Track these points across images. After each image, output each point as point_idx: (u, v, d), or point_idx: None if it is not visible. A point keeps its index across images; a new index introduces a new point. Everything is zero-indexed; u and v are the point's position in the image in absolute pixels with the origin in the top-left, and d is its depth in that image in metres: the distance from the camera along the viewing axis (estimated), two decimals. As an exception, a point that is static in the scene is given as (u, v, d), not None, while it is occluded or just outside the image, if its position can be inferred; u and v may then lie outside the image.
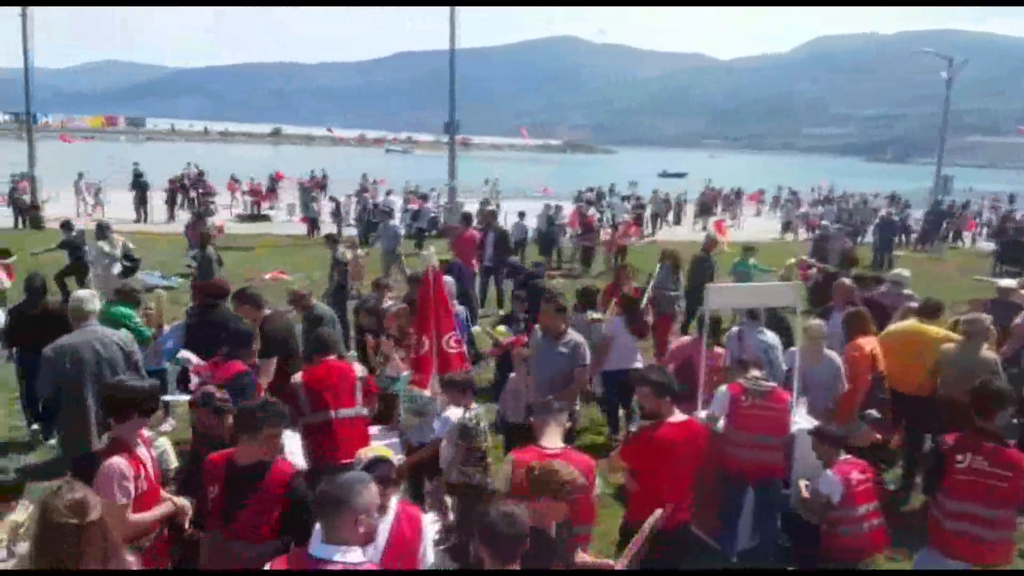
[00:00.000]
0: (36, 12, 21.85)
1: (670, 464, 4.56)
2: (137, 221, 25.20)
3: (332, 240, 13.52)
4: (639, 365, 7.83)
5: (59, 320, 6.46)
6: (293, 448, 5.44)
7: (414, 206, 25.86)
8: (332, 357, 5.62)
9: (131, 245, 13.20)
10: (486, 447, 5.37)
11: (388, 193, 28.75)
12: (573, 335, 6.74)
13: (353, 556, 2.88)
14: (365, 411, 5.57)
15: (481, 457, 5.27)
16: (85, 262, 13.22)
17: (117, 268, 12.50)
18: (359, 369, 5.74)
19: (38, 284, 7.70)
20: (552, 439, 4.47)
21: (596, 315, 8.55)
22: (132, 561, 3.07)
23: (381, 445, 4.71)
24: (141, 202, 26.08)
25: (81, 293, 6.30)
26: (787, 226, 31.14)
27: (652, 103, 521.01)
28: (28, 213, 23.68)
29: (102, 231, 12.73)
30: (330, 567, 2.82)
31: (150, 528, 4.02)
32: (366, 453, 3.70)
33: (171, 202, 27.43)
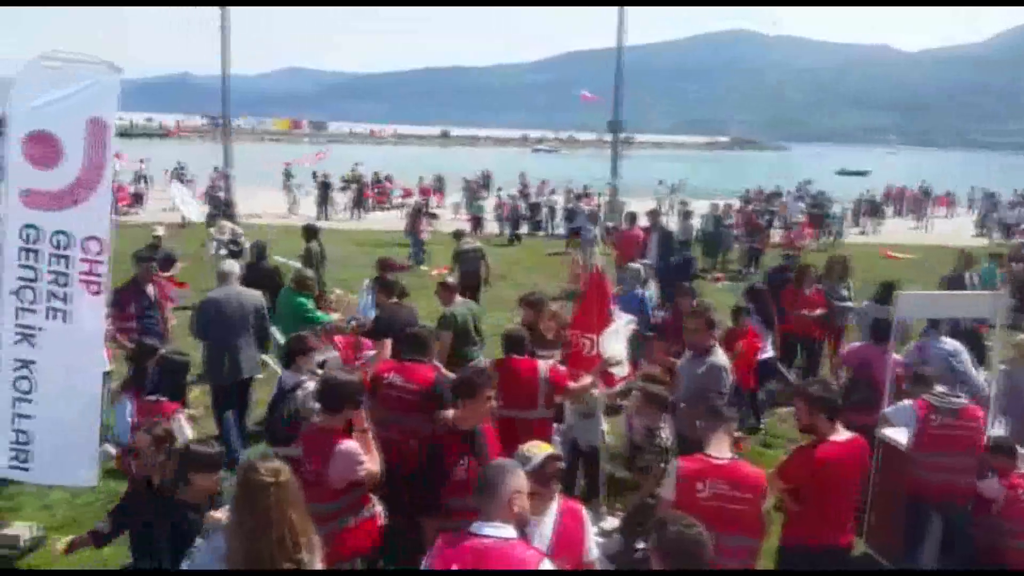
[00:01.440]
0: (232, 22, 23.75)
1: (830, 484, 4.34)
2: (319, 219, 26.78)
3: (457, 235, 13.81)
4: (769, 354, 8.52)
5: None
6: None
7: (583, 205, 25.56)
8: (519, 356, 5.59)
9: (240, 231, 14.25)
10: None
11: (551, 192, 28.92)
12: (716, 357, 6.09)
13: (507, 532, 3.07)
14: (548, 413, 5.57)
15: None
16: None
17: (224, 252, 13.62)
18: (543, 368, 5.53)
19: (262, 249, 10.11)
20: (720, 448, 4.29)
21: None
22: (315, 538, 3.30)
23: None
24: (323, 201, 27.87)
25: (227, 262, 8.04)
26: (982, 229, 28.40)
27: (829, 97, 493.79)
28: (222, 209, 25.77)
29: (212, 220, 14.43)
30: (487, 543, 3.02)
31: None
32: (530, 448, 3.67)
33: (357, 202, 29.12)
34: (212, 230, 14.13)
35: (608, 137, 29.63)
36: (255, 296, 7.43)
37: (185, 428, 4.85)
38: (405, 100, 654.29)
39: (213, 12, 23.41)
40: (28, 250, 5.14)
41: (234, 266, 7.74)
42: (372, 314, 7.68)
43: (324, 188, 28.41)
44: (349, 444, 4.18)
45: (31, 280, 5.20)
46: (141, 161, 31.76)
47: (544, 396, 5.44)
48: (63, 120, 4.94)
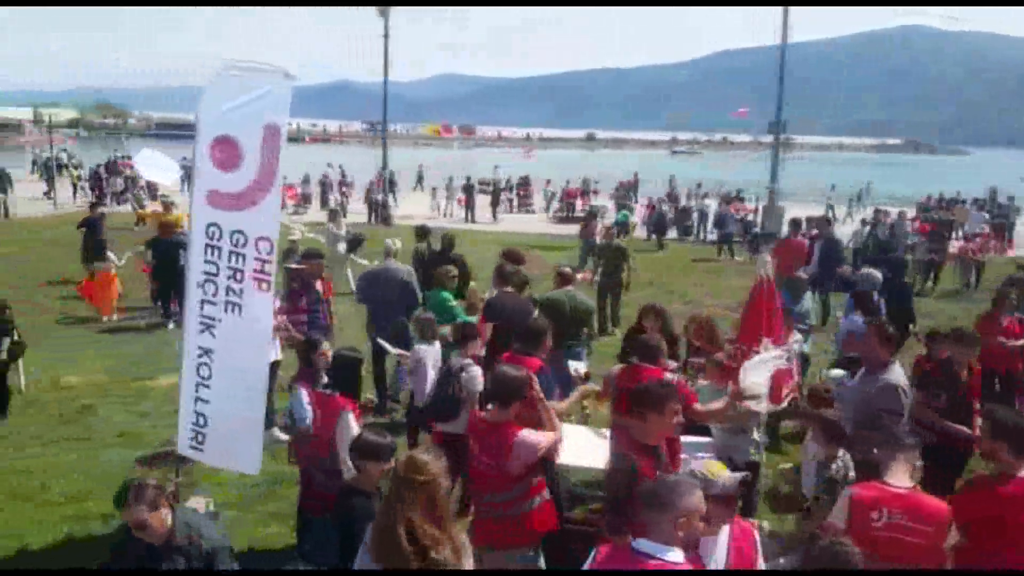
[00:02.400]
0: (392, 31, 24.79)
1: (1013, 524, 3.89)
2: (465, 221, 27.44)
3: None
4: None
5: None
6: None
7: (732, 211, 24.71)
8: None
9: (353, 229, 15.81)
10: None
11: (704, 197, 28.17)
12: (892, 375, 5.55)
13: (674, 556, 2.92)
14: None
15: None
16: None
17: (342, 246, 15.03)
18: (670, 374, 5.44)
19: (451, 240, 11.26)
20: (899, 476, 3.99)
21: None
22: (459, 539, 3.40)
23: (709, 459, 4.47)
24: (469, 204, 28.57)
25: (389, 240, 9.68)
26: None
27: (1013, 97, 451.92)
28: (380, 210, 26.95)
29: (334, 215, 16.36)
30: (650, 564, 2.90)
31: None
32: (710, 469, 3.53)
33: (494, 203, 29.59)
34: (330, 225, 15.62)
35: (765, 139, 28.49)
36: (405, 271, 8.95)
37: (353, 425, 5.05)
38: (553, 103, 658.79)
39: (375, 22, 24.57)
40: (211, 246, 5.53)
41: (395, 244, 9.58)
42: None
43: (468, 191, 29.10)
44: (524, 435, 4.33)
45: (213, 274, 5.60)
46: (329, 165, 32.69)
47: None
48: (243, 125, 5.27)
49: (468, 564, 3.44)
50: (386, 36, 24.28)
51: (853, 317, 8.48)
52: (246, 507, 6.49)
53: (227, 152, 5.28)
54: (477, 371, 5.95)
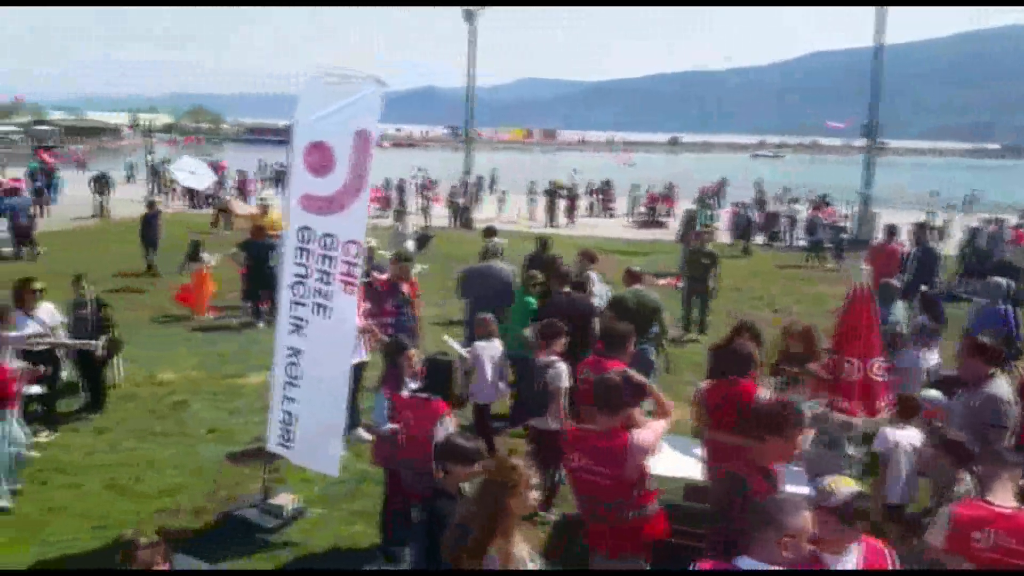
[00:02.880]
0: (478, 36, 24.96)
1: None
2: (546, 225, 27.38)
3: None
4: None
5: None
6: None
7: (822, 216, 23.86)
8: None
9: (421, 228, 16.67)
10: None
11: (793, 201, 27.35)
12: (995, 388, 5.28)
13: None
14: None
15: None
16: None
17: (410, 245, 15.23)
18: (765, 397, 5.05)
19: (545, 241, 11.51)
20: (1003, 495, 3.76)
21: None
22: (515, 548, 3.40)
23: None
24: (550, 207, 28.50)
25: (497, 239, 10.94)
26: None
27: None
28: (461, 214, 27.21)
29: (399, 215, 17.21)
30: None
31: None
32: (833, 483, 3.38)
33: (571, 208, 29.48)
34: (397, 225, 16.44)
35: (858, 143, 27.47)
36: (507, 271, 9.50)
37: (452, 430, 5.06)
38: (636, 107, 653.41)
39: (460, 27, 24.81)
40: (302, 249, 5.67)
41: (500, 245, 10.79)
42: None
43: (551, 196, 28.97)
44: (635, 438, 4.29)
45: (303, 276, 5.73)
46: (419, 169, 33.19)
47: None
48: (335, 131, 5.38)
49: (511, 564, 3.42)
50: (472, 41, 24.47)
51: (923, 319, 8.53)
52: (331, 505, 6.60)
53: (320, 157, 5.40)
54: (562, 367, 6.10)
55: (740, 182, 37.18)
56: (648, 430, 4.36)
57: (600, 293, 9.13)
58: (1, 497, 6.35)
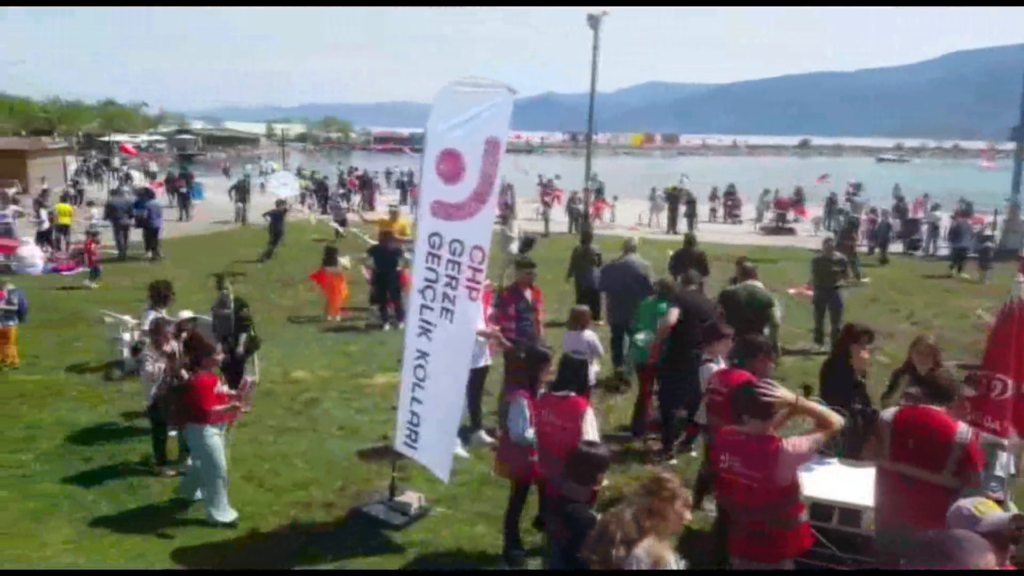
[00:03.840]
0: (602, 41, 24.84)
1: None
2: (669, 231, 26.92)
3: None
4: None
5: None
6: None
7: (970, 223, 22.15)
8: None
9: (526, 231, 17.25)
10: None
11: (934, 208, 25.71)
12: None
13: None
14: None
15: None
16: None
17: (515, 247, 16.02)
18: (963, 433, 4.49)
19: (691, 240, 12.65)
20: None
21: None
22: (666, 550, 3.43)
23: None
24: (672, 213, 28.06)
25: (630, 236, 11.86)
26: None
27: None
28: (581, 220, 27.04)
29: (505, 218, 17.52)
30: None
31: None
32: (977, 506, 3.15)
33: (690, 214, 28.86)
34: (503, 228, 16.69)
35: (1003, 146, 25.54)
36: (643, 265, 10.22)
37: (591, 428, 5.06)
38: (761, 109, 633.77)
39: (581, 33, 24.73)
40: (432, 254, 5.80)
41: (635, 239, 11.25)
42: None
43: (672, 200, 28.48)
44: (788, 444, 4.23)
45: (432, 281, 5.86)
46: (541, 177, 33.39)
47: (956, 462, 4.43)
48: (467, 139, 5.48)
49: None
50: (596, 47, 24.34)
51: None
52: (455, 505, 6.71)
53: (451, 165, 5.51)
54: (711, 368, 6.17)
55: (870, 186, 35.23)
56: (803, 438, 4.27)
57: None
58: (226, 511, 6.48)
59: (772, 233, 27.87)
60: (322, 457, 7.73)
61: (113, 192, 26.05)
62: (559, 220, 27.35)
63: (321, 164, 51.89)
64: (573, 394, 5.21)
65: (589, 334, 7.80)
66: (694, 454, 7.61)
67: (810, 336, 12.09)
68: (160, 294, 8.68)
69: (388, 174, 43.13)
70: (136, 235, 20.10)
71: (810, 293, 12.67)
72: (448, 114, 5.49)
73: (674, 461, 7.53)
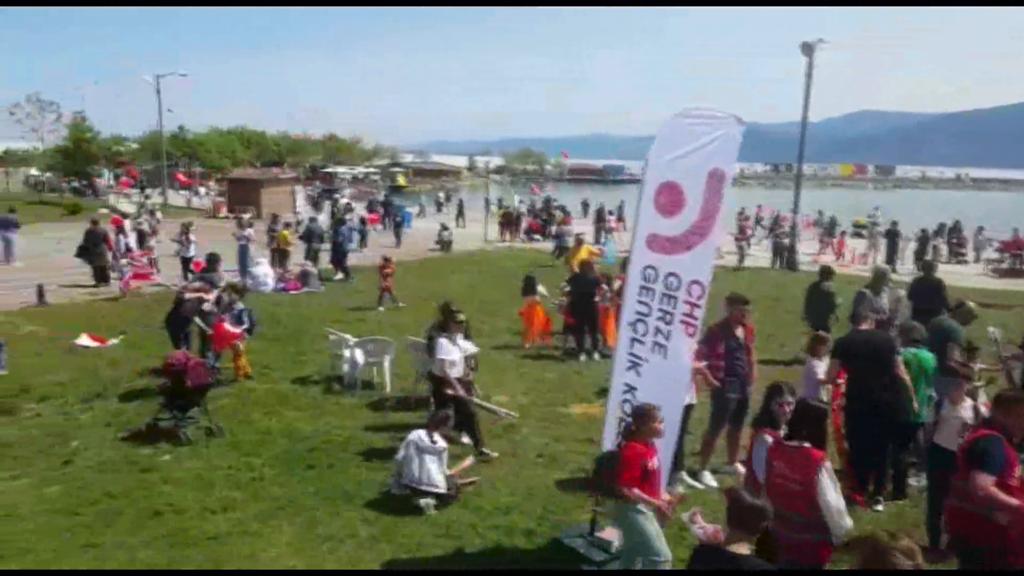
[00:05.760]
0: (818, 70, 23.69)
1: None
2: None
3: None
4: None
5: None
6: None
7: None
8: None
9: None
10: None
11: None
12: None
13: None
14: None
15: None
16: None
17: None
18: None
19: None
20: None
21: None
22: None
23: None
24: (892, 248, 26.08)
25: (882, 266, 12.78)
26: None
27: None
28: (785, 255, 25.69)
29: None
30: None
31: None
32: None
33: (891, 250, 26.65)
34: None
35: None
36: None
37: (827, 485, 4.75)
38: (987, 140, 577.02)
39: (785, 64, 23.75)
40: (645, 288, 5.72)
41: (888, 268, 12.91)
42: None
43: (892, 237, 26.48)
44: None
45: (644, 315, 5.77)
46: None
47: None
48: (688, 171, 5.37)
49: None
50: (809, 75, 23.29)
51: None
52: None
53: (670, 198, 5.42)
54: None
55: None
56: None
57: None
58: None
59: (1005, 275, 25.09)
60: (522, 483, 7.80)
61: (312, 220, 28.25)
62: (759, 255, 26.29)
63: (523, 194, 53.17)
64: (808, 444, 4.90)
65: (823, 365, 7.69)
66: None
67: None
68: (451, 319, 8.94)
69: (585, 205, 43.57)
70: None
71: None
72: (673, 145, 5.39)
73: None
